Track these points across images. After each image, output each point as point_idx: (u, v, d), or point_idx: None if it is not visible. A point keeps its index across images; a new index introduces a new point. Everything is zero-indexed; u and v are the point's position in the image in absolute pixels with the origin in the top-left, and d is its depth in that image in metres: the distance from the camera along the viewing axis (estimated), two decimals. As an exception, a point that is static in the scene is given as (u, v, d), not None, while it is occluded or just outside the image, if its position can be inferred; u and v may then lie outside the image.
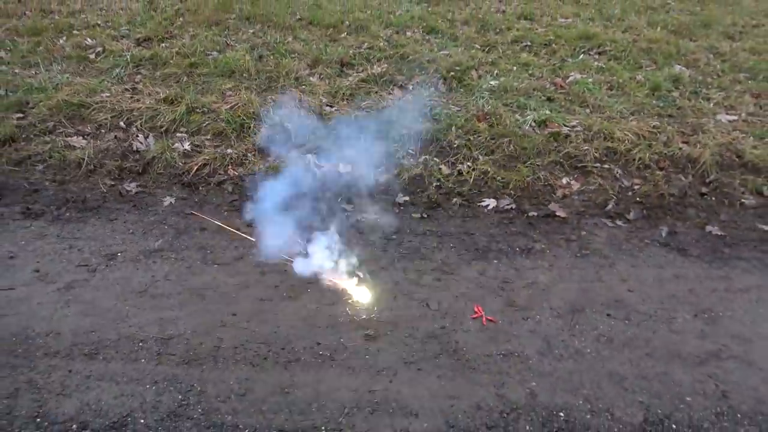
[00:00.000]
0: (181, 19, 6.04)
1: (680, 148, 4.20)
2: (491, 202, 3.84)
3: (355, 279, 3.11)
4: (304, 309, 2.90)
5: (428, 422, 2.33)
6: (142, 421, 2.27)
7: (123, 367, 2.51)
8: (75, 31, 5.67)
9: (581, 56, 5.50)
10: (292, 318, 2.84)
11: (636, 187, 3.97)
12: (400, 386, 2.49)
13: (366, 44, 5.59)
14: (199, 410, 2.33)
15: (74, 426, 2.24)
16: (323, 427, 2.29)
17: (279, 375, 2.51)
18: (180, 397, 2.38)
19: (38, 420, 2.26)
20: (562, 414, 2.40)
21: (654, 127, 4.41)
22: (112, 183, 3.85)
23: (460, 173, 4.03)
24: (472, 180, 3.97)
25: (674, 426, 2.37)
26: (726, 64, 5.45)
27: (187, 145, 4.11)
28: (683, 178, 4.04)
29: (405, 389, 2.48)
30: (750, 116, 4.67)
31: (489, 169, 4.02)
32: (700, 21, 6.46)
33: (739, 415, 2.43)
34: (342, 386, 2.47)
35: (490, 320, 2.89)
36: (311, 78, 4.98)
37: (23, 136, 4.15)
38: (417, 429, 2.30)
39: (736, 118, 4.64)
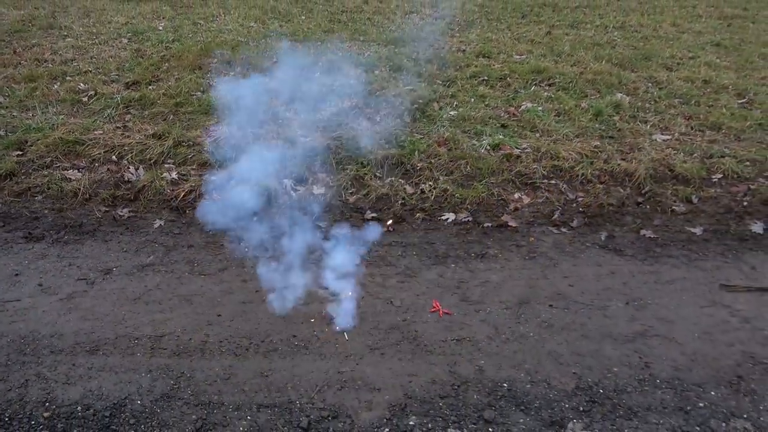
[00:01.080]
0: (166, 64, 6.54)
1: (619, 164, 4.71)
2: (450, 216, 4.27)
3: (327, 284, 3.49)
4: (282, 309, 3.27)
5: (389, 395, 2.70)
6: (138, 402, 2.61)
7: (121, 360, 2.85)
8: (68, 77, 6.13)
9: (533, 88, 6.07)
10: (271, 317, 3.20)
11: (579, 198, 4.45)
12: (366, 367, 2.85)
13: (338, 81, 6.10)
14: (189, 392, 2.67)
15: (79, 408, 2.57)
16: (297, 402, 2.64)
17: (259, 362, 2.87)
18: (172, 382, 2.72)
19: (47, 404, 2.59)
20: (505, 385, 2.78)
21: (595, 147, 4.93)
22: (106, 209, 4.23)
23: (422, 192, 4.48)
24: (433, 197, 4.41)
25: (601, 390, 2.76)
26: (663, 91, 6.05)
27: (174, 175, 4.52)
28: (621, 190, 4.53)
29: (369, 370, 2.84)
30: (682, 135, 5.22)
31: (448, 188, 4.48)
32: (642, 54, 7.12)
33: (658, 381, 2.82)
34: (314, 369, 2.83)
35: (446, 313, 3.29)
36: (287, 113, 5.45)
37: (23, 171, 4.54)
38: (379, 401, 2.66)
39: (669, 137, 5.19)
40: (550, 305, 3.38)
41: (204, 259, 3.71)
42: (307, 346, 2.99)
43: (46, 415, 2.52)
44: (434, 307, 3.33)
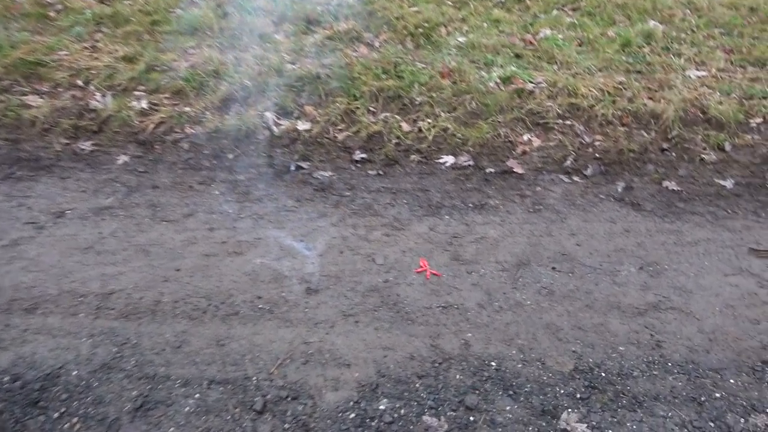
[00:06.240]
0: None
1: (644, 104, 4.15)
2: (449, 159, 3.81)
3: (302, 235, 3.11)
4: (248, 264, 2.91)
5: (359, 372, 2.37)
6: (74, 373, 2.30)
7: (61, 321, 2.53)
8: (36, -11, 5.53)
9: (554, 12, 5.38)
10: (235, 273, 2.85)
11: (596, 143, 3.94)
12: (336, 338, 2.52)
13: (335, 1, 5.46)
14: (133, 362, 2.36)
15: (6, 378, 2.27)
16: (254, 378, 2.32)
17: (216, 328, 2.54)
18: (115, 350, 2.41)
19: (-28, 371, 2.30)
20: (494, 363, 2.43)
21: (620, 83, 4.35)
22: (67, 142, 3.82)
23: (420, 130, 3.99)
24: (431, 137, 3.93)
25: (603, 374, 2.40)
26: (702, 20, 5.33)
27: (144, 104, 4.06)
28: (645, 134, 4.00)
29: (340, 341, 2.50)
30: (720, 72, 4.60)
31: (449, 126, 3.98)
32: (681, -25, 6.28)
33: (669, 364, 2.46)
34: (278, 338, 2.50)
35: (434, 274, 2.91)
36: (276, 35, 4.88)
37: (-24, 95, 4.10)
38: (347, 378, 2.34)
39: (705, 73, 4.57)
40: (553, 268, 2.98)
41: (168, 203, 3.33)
42: (272, 309, 2.65)
43: (-31, 384, 2.24)
44: (421, 267, 2.95)
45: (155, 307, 2.63)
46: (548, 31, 5.05)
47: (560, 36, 4.98)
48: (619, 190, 3.61)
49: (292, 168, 3.66)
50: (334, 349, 2.46)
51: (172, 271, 2.84)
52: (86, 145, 3.79)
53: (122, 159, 3.69)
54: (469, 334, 2.56)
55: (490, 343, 2.52)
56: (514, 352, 2.49)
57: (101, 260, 2.88)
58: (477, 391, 2.31)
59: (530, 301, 2.76)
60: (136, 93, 4.17)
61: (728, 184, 3.67)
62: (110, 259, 2.89)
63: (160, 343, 2.45)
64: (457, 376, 2.37)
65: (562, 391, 2.33)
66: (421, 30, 5.01)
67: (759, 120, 4.10)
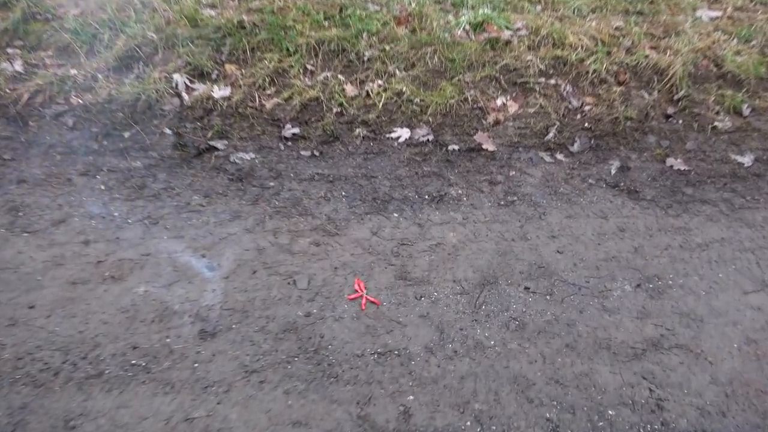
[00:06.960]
0: None
1: (646, 56, 3.37)
2: (403, 133, 3.06)
3: (205, 248, 2.40)
4: (127, 295, 2.21)
5: (257, 465, 1.73)
6: None
7: None
8: None
9: (540, -65, 4.43)
10: (108, 309, 2.15)
11: (586, 107, 3.19)
12: (230, 410, 1.86)
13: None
14: (-61, 463, 1.70)
15: None
16: (108, 481, 1.68)
17: (68, 399, 1.87)
18: None
19: None
20: (440, 443, 1.81)
21: (616, 28, 3.54)
22: None
23: (368, 95, 3.20)
24: (382, 104, 3.15)
25: (587, 456, 1.79)
26: (716, -57, 4.43)
27: (18, 65, 3.21)
28: (646, 96, 3.24)
29: (236, 414, 1.85)
30: (737, 11, 3.79)
31: (405, 89, 3.19)
32: None
33: (674, 436, 1.85)
34: (151, 413, 1.84)
35: (372, 302, 2.23)
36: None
37: None
38: (239, 476, 1.71)
39: (720, 14, 3.76)
40: (526, 288, 2.32)
41: (36, 205, 2.58)
42: (149, 366, 1.98)
43: None
44: (356, 292, 2.27)
45: (-11, 368, 1.95)
46: (532, -39, 4.15)
47: (546, -33, 4.09)
48: (613, 171, 2.90)
49: (167, 132, 2.89)
50: (225, 429, 1.81)
51: (23, 310, 2.14)
52: (-60, 124, 2.98)
53: (-16, 142, 2.89)
54: (411, 397, 1.92)
55: (437, 410, 1.89)
56: (468, 423, 1.86)
57: (-73, 296, 2.17)
58: (415, 492, 1.69)
59: (494, 340, 2.11)
60: (9, 51, 3.30)
61: (746, 160, 2.98)
62: (-60, 295, 2.18)
63: (-15, 429, 1.79)
64: (390, 467, 1.75)
65: (530, 486, 1.72)
66: (377, -39, 4.09)
67: (784, 74, 3.35)
